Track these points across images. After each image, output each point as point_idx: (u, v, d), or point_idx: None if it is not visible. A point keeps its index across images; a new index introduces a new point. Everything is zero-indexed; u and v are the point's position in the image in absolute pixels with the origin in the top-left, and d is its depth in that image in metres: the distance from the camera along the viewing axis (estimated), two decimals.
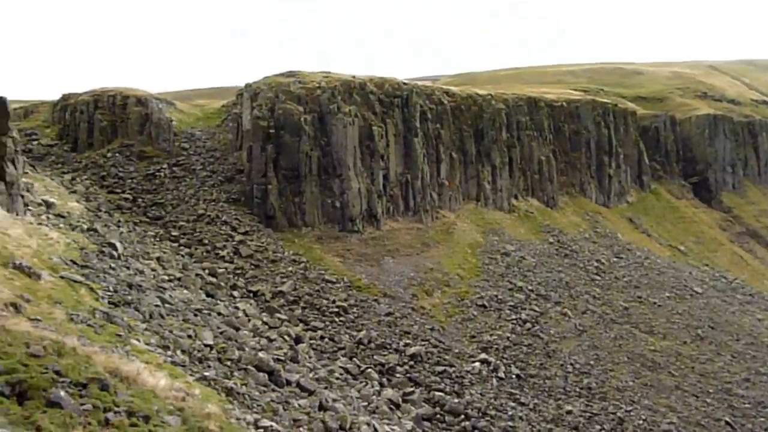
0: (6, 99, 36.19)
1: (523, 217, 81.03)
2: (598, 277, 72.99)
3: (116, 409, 16.37)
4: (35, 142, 65.88)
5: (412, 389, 44.85)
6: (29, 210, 38.87)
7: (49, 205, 43.22)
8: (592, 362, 56.98)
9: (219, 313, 40.95)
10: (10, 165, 35.25)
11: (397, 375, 46.27)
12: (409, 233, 66.98)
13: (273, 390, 31.04)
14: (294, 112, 64.81)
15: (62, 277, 28.07)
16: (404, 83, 76.45)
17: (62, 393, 15.67)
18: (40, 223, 36.98)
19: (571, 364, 55.61)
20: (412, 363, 48.11)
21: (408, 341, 50.56)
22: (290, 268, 55.73)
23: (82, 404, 15.89)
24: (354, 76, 72.65)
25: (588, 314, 64.75)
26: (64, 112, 68.82)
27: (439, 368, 48.51)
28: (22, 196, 37.21)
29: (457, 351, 51.89)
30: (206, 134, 71.26)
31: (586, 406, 50.76)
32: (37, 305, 23.45)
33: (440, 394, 45.28)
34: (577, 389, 52.63)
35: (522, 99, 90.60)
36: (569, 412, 48.95)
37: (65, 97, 70.67)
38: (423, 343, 50.98)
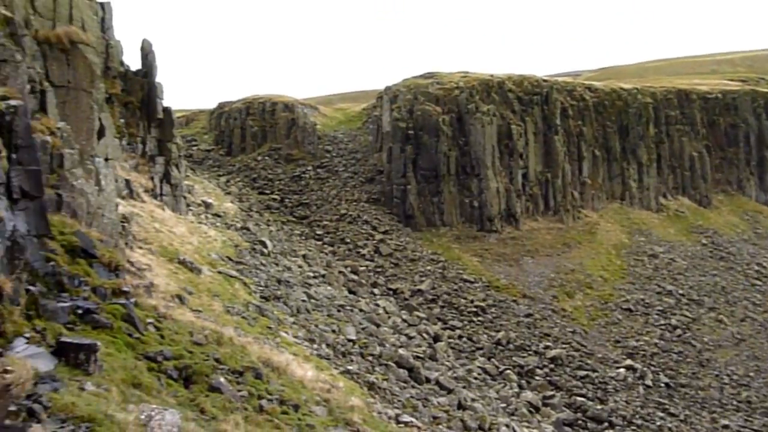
0: (171, 109, 39.71)
1: (672, 217, 76.46)
2: (759, 282, 67.34)
3: (269, 397, 17.59)
4: (195, 148, 71.56)
5: (552, 393, 43.89)
6: (190, 210, 42.34)
7: (207, 205, 46.82)
8: (752, 374, 52.79)
9: (361, 310, 42.35)
10: (174, 169, 38.63)
11: (537, 378, 45.48)
12: (549, 233, 65.45)
13: (413, 386, 31.70)
14: (432, 112, 65.46)
15: (219, 272, 30.40)
16: (544, 80, 74.75)
17: (222, 379, 17.10)
18: (200, 222, 40.20)
19: (728, 375, 51.85)
20: (552, 366, 47.08)
21: (548, 344, 49.51)
22: (429, 267, 56.41)
23: (239, 390, 17.24)
24: (492, 75, 72.10)
25: (747, 322, 59.99)
26: (220, 119, 74.17)
27: (581, 373, 47.08)
28: (185, 197, 40.63)
29: (600, 356, 50.08)
30: (348, 137, 73.77)
31: (746, 421, 47.10)
32: (199, 297, 25.63)
33: (582, 399, 43.95)
34: (735, 402, 48.98)
35: (671, 92, 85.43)
36: (726, 427, 45.68)
37: (221, 106, 76.17)
38: (564, 346, 49.71)
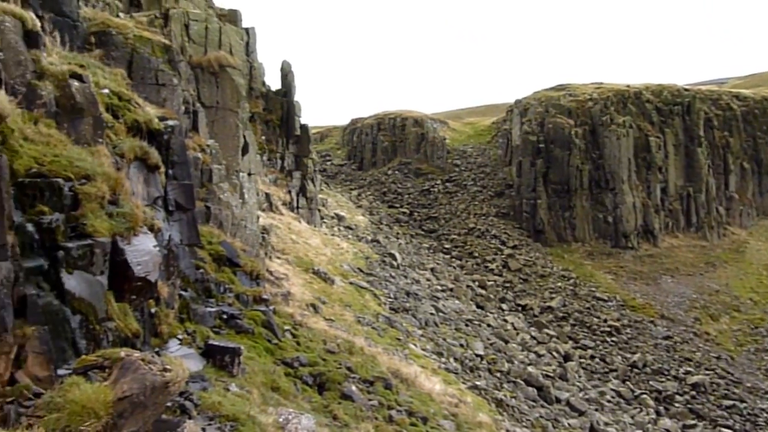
0: (308, 126, 41.57)
1: None
2: None
3: (398, 407, 17.86)
4: (329, 162, 74.25)
5: (694, 422, 41.07)
6: (324, 222, 43.95)
7: (340, 218, 48.38)
8: None
9: (489, 325, 41.92)
10: (310, 183, 40.34)
11: (676, 404, 42.75)
12: (691, 251, 61.54)
13: (542, 406, 30.89)
14: (564, 125, 63.81)
15: (351, 283, 31.30)
16: (685, 89, 70.71)
17: (353, 388, 17.62)
18: (333, 234, 41.63)
19: None
20: (693, 393, 44.09)
21: (689, 369, 46.44)
22: (559, 284, 54.83)
23: (369, 400, 17.68)
24: (629, 86, 69.19)
25: None
26: (353, 135, 76.53)
27: (727, 402, 43.70)
28: (319, 210, 42.25)
29: (749, 385, 46.24)
30: (477, 151, 73.53)
31: None
32: (331, 307, 26.53)
33: (728, 431, 40.77)
34: None
35: None
36: None
37: (353, 122, 78.62)
38: (707, 372, 46.42)
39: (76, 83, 13.07)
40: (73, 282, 9.59)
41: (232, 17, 30.68)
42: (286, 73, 40.15)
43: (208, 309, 15.94)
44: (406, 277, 41.12)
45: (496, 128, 77.21)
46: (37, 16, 13.68)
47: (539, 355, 41.30)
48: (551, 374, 37.16)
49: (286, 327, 19.43)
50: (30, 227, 9.34)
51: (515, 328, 45.03)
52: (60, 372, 8.44)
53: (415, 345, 27.39)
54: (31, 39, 12.74)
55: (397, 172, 69.95)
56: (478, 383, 27.20)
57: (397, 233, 56.82)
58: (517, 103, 70.02)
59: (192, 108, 21.71)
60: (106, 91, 15.68)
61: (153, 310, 12.18)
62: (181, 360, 8.95)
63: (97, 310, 9.88)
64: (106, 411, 7.10)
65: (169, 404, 9.86)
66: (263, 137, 36.46)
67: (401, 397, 18.93)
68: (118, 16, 21.72)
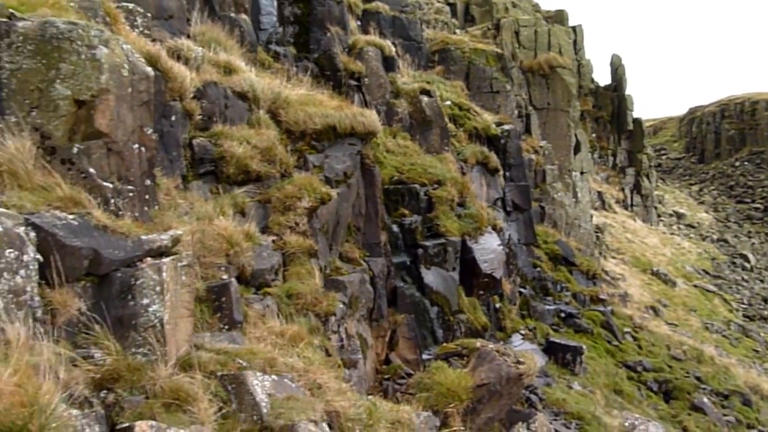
0: (641, 120, 39.36)
1: None
2: None
3: (760, 427, 15.93)
4: (664, 157, 69.10)
5: None
6: (661, 220, 41.09)
7: (679, 215, 44.73)
8: None
9: None
10: (644, 179, 38.12)
11: None
12: None
13: None
14: None
15: (695, 286, 28.75)
16: None
17: (705, 399, 16.20)
18: (672, 233, 38.70)
19: None
20: None
21: None
22: None
23: (724, 415, 16.08)
24: None
25: None
26: (691, 125, 70.00)
27: None
28: (655, 208, 39.66)
29: None
30: None
31: None
32: (674, 311, 24.73)
33: None
34: None
35: None
36: None
37: (691, 111, 71.85)
38: None
39: (425, 98, 14.49)
40: (430, 277, 10.66)
41: (559, 17, 30.66)
42: (616, 67, 38.60)
43: (547, 307, 16.22)
44: (762, 281, 36.26)
45: None
46: (392, 43, 15.49)
47: None
48: None
49: (626, 329, 18.74)
50: (395, 228, 10.66)
51: None
52: (424, 356, 9.47)
53: None
54: (388, 63, 14.51)
55: (746, 163, 61.93)
56: None
57: (749, 232, 50.30)
58: None
59: (524, 111, 22.29)
60: (449, 102, 17.05)
61: (497, 306, 12.85)
62: (532, 354, 9.30)
63: (451, 302, 10.83)
64: (467, 395, 7.75)
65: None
66: (593, 135, 35.60)
67: (763, 415, 16.82)
68: (455, 33, 23.36)
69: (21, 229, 3.86)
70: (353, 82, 12.78)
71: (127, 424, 4.00)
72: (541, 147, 21.68)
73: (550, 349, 13.87)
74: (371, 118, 9.13)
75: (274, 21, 13.10)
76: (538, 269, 17.70)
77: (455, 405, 7.67)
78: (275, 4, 13.24)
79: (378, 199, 9.27)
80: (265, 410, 4.87)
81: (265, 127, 8.06)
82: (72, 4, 6.18)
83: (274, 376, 5.25)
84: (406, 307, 9.65)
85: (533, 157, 20.78)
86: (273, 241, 7.02)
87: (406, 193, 11.27)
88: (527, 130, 22.06)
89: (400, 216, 10.92)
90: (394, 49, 15.12)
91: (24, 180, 4.58)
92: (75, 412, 3.61)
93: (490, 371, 7.93)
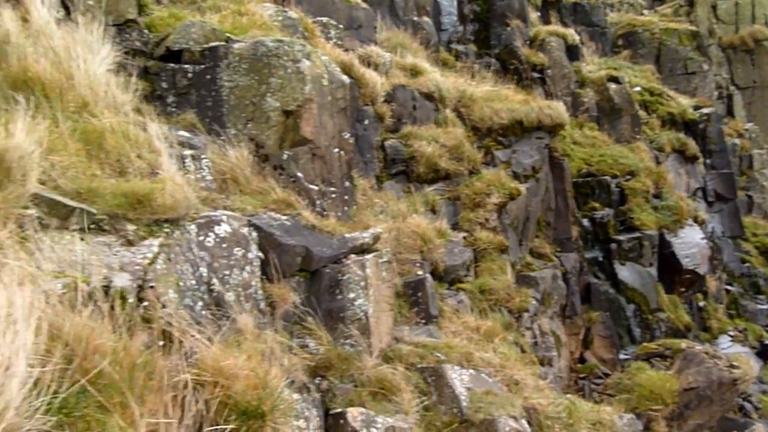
0: None
1: None
2: None
3: None
4: None
5: None
6: None
7: None
8: None
9: None
10: None
11: None
12: None
13: None
14: None
15: None
16: None
17: None
18: None
19: None
20: None
21: None
22: None
23: None
24: None
25: None
26: None
27: None
28: None
29: None
30: None
31: None
32: None
33: None
34: None
35: None
36: None
37: None
38: None
39: (612, 86, 13.82)
40: (625, 272, 10.16)
41: None
42: None
43: (759, 306, 14.72)
44: None
45: None
46: (575, 31, 14.97)
47: None
48: None
49: None
50: (586, 222, 10.30)
51: None
52: (621, 356, 9.05)
53: None
54: (572, 52, 14.03)
55: None
56: None
57: None
58: None
59: (726, 92, 20.41)
60: (639, 88, 16.08)
61: (701, 304, 11.92)
62: (747, 358, 8.52)
63: (649, 300, 10.23)
64: (672, 399, 7.29)
65: None
66: None
67: None
68: (642, 14, 21.99)
69: (245, 230, 4.28)
70: (536, 75, 12.53)
71: (339, 410, 4.29)
72: (746, 130, 19.70)
73: (765, 353, 12.59)
74: (558, 109, 8.91)
75: (455, 20, 13.25)
76: (747, 264, 16.12)
77: (659, 408, 7.26)
78: (455, 3, 13.39)
79: (568, 193, 9.02)
80: (464, 404, 4.96)
81: (452, 125, 8.18)
82: (275, 23, 6.73)
83: (471, 371, 5.33)
84: (601, 304, 9.29)
85: (737, 141, 18.94)
86: (464, 238, 7.11)
87: (597, 185, 10.85)
88: (729, 113, 20.16)
89: (591, 210, 10.54)
90: (577, 37, 14.60)
91: (244, 185, 5.08)
92: (296, 396, 3.94)
93: (698, 375, 7.39)
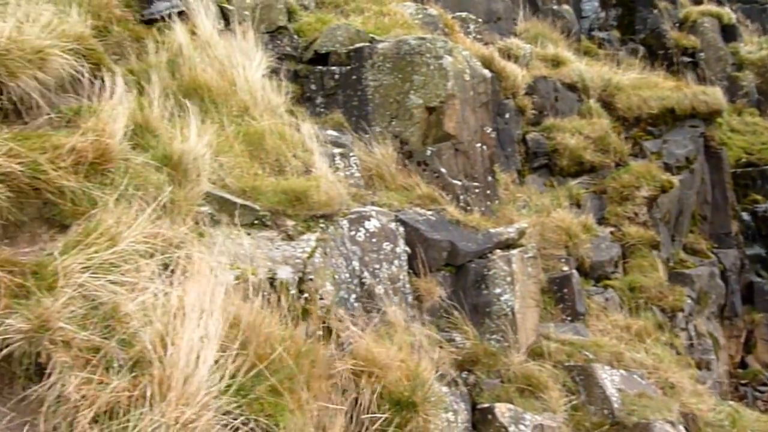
0: None
1: None
2: None
3: None
4: None
5: None
6: None
7: None
8: None
9: None
10: None
11: None
12: None
13: None
14: None
15: None
16: None
17: None
18: None
19: None
20: None
21: None
22: None
23: None
24: None
25: None
26: None
27: None
28: None
29: None
30: None
31: None
32: None
33: None
34: None
35: None
36: None
37: None
38: None
39: None
40: None
41: None
42: None
43: None
44: None
45: None
46: (731, 9, 13.90)
47: None
48: None
49: None
50: (746, 216, 9.55)
51: None
52: None
53: None
54: (728, 33, 13.04)
55: None
56: None
57: None
58: None
59: None
60: None
61: None
62: None
63: None
64: None
65: None
66: None
67: None
68: None
69: (393, 225, 4.39)
70: (687, 59, 11.76)
71: (487, 405, 4.29)
72: None
73: None
74: (715, 95, 8.32)
75: (596, 6, 12.73)
76: None
77: None
78: None
79: (726, 185, 8.41)
80: (616, 405, 4.79)
81: (597, 116, 7.89)
82: (416, 21, 6.83)
83: (622, 371, 5.13)
84: (764, 305, 8.58)
85: None
86: (611, 233, 6.85)
87: (758, 176, 10.03)
88: None
89: (752, 202, 9.75)
90: (733, 15, 13.55)
91: (389, 181, 5.20)
92: (444, 389, 3.99)
93: None
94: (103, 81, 3.47)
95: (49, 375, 2.02)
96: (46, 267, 2.21)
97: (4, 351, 1.99)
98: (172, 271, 2.61)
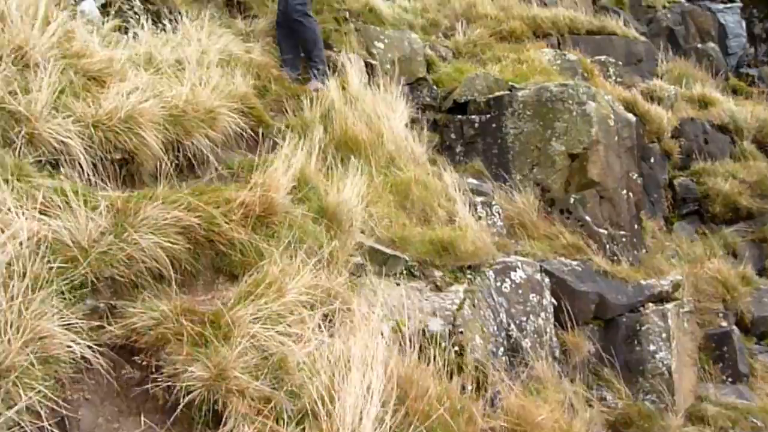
0: None
1: None
2: None
3: None
4: None
5: None
6: None
7: None
8: None
9: None
10: None
11: None
12: None
13: None
14: None
15: None
16: None
17: None
18: None
19: None
20: None
21: None
22: None
23: None
24: None
25: None
26: None
27: None
28: None
29: None
30: None
31: None
32: None
33: None
34: None
35: None
36: None
37: None
38: None
39: None
40: None
41: None
42: None
43: None
44: None
45: None
46: None
47: None
48: None
49: None
50: None
51: None
52: None
53: None
54: None
55: None
56: None
57: None
58: None
59: None
60: None
61: None
62: None
63: None
64: None
65: None
66: None
67: None
68: None
69: (539, 276, 4.26)
70: None
71: None
72: None
73: None
74: None
75: (743, 42, 12.02)
76: None
77: None
78: (743, 24, 12.16)
79: None
80: None
81: (752, 158, 7.35)
82: (555, 67, 6.74)
83: None
84: None
85: None
86: None
87: None
88: None
89: None
90: None
91: (531, 230, 5.08)
92: None
93: None
94: (263, 136, 3.68)
95: (225, 423, 2.10)
96: (221, 317, 2.32)
97: (188, 398, 2.10)
98: (332, 322, 2.67)
